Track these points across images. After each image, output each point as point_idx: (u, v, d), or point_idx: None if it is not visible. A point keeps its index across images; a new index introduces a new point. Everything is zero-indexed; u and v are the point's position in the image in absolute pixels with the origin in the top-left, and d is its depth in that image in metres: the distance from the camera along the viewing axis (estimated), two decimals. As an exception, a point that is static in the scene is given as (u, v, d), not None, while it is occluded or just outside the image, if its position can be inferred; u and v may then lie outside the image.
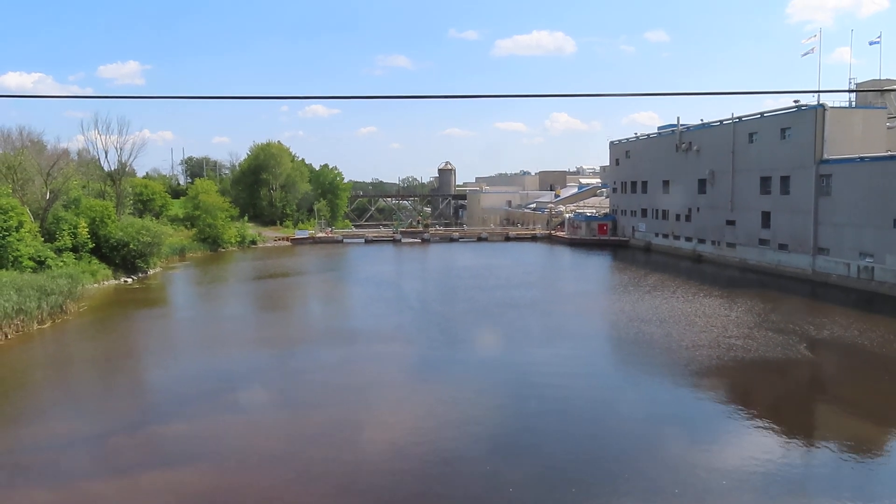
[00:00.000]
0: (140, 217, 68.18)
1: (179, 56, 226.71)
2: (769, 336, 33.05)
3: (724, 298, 44.72)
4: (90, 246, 53.78)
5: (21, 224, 45.14)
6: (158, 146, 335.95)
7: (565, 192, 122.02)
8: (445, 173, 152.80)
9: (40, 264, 45.78)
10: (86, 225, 53.70)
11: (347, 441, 20.15)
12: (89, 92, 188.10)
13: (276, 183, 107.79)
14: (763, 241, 59.70)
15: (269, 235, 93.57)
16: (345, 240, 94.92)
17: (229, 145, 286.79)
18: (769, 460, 18.36)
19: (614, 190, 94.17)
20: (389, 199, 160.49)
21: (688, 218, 72.82)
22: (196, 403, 24.18)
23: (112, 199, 66.14)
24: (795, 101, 56.43)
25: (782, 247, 56.98)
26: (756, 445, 19.54)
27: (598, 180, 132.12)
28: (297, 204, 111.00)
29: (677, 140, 74.29)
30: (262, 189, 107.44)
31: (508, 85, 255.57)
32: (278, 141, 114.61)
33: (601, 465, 18.45)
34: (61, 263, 47.88)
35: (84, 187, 62.41)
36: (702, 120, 72.09)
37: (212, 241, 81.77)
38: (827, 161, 52.36)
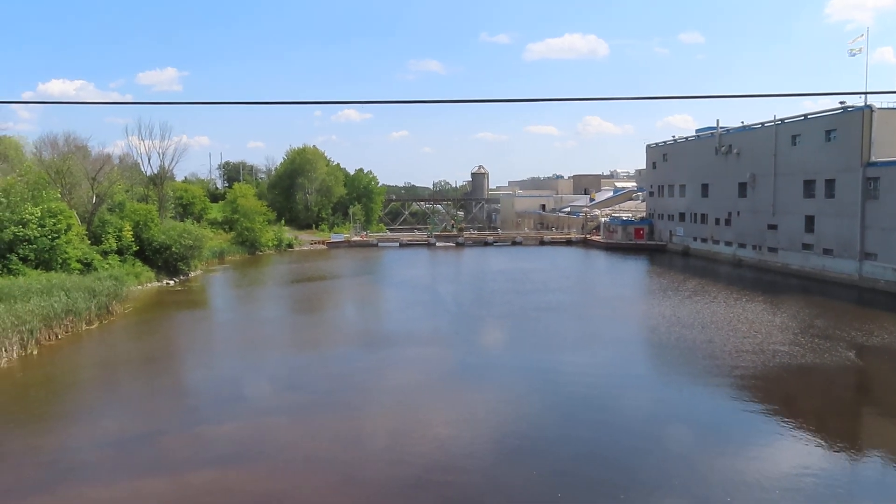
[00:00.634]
0: (181, 221, 69.66)
1: (216, 63, 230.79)
2: (816, 342, 32.29)
3: (767, 304, 43.80)
4: (134, 249, 55.11)
5: (69, 227, 46.45)
6: (195, 151, 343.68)
7: (600, 196, 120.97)
8: (478, 177, 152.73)
9: (87, 266, 46.96)
10: (130, 228, 55.03)
11: (389, 445, 20.22)
12: (129, 98, 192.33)
13: (312, 187, 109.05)
14: (806, 246, 58.37)
15: (305, 239, 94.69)
16: (379, 243, 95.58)
17: (264, 150, 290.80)
18: (822, 468, 17.99)
19: (651, 193, 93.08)
20: (422, 202, 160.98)
21: (727, 222, 71.59)
22: (240, 404, 24.54)
23: (154, 203, 67.68)
24: (841, 103, 55.07)
25: (827, 251, 55.63)
26: (806, 454, 19.13)
27: (633, 184, 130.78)
28: (333, 208, 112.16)
29: (717, 143, 73.18)
30: (298, 193, 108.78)
31: (540, 89, 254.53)
32: (313, 145, 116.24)
33: (650, 473, 18.21)
34: (107, 266, 49.10)
35: (127, 191, 63.96)
36: (742, 122, 71.06)
37: (250, 245, 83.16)
38: (874, 164, 51.01)
